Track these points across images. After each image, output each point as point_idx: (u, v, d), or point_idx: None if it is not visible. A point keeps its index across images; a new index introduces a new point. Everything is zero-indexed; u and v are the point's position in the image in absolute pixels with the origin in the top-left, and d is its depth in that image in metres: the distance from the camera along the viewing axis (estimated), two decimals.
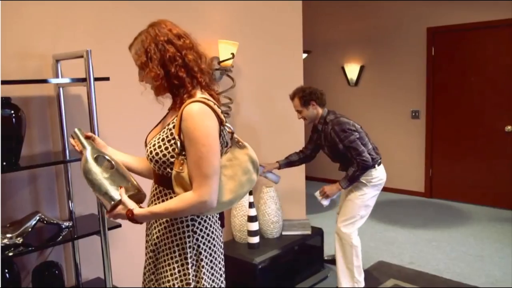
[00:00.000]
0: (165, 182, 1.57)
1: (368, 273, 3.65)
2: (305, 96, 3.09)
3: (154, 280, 1.68)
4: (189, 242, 1.58)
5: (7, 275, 2.09)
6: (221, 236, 1.70)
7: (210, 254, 1.63)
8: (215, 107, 1.51)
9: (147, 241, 1.73)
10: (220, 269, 1.68)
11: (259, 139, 3.60)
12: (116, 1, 2.57)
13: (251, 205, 3.20)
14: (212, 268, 1.64)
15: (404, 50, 5.89)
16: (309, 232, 3.55)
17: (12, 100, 2.03)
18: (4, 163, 2.00)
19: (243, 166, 1.55)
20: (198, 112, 1.45)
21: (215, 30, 3.17)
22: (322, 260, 3.72)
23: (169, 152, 1.52)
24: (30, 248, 2.07)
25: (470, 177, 5.54)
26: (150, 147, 1.56)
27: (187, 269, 1.58)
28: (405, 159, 6.08)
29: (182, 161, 1.47)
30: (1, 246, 2.01)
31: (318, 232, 3.64)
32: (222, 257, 1.71)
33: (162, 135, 1.54)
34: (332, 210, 5.51)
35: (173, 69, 1.49)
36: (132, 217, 1.50)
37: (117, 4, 2.57)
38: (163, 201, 1.59)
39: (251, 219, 3.18)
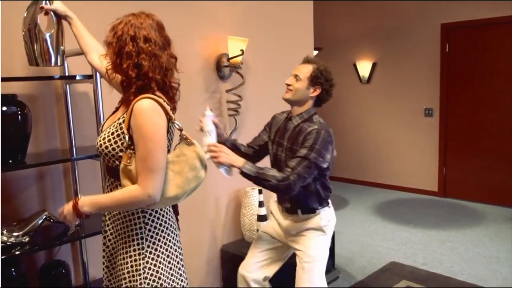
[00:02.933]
0: (115, 174, 1.61)
1: (379, 274, 3.59)
2: (321, 75, 2.28)
3: (111, 275, 1.73)
4: (141, 233, 1.61)
5: (14, 273, 2.07)
6: (176, 226, 1.74)
7: (166, 243, 1.66)
8: (165, 104, 1.55)
9: (104, 237, 1.75)
10: (177, 256, 1.70)
11: None
12: None
13: (260, 204, 3.15)
14: (168, 256, 1.66)
15: (418, 47, 5.78)
16: None
17: (18, 97, 2.01)
18: (10, 161, 1.98)
19: (190, 163, 1.59)
20: (148, 109, 1.49)
21: (225, 26, 3.13)
22: (333, 260, 3.66)
23: (118, 146, 1.56)
24: (36, 247, 2.05)
25: (485, 176, 5.43)
26: (100, 140, 1.61)
27: (142, 259, 1.60)
28: (418, 158, 5.98)
29: (130, 155, 1.53)
30: (8, 245, 1.99)
31: None
32: (180, 245, 1.74)
33: (112, 129, 1.59)
34: (342, 210, 5.45)
35: (125, 65, 1.53)
36: (76, 205, 1.55)
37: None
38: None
39: (261, 218, 3.14)
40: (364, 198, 5.94)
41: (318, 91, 2.29)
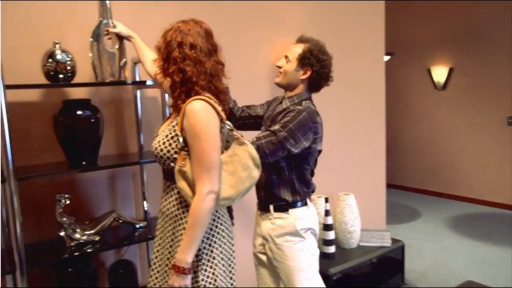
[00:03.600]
0: (171, 177, 1.63)
1: None
2: (311, 55, 2.00)
3: (161, 275, 1.72)
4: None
5: (84, 271, 2.16)
6: (231, 229, 1.74)
7: (221, 246, 1.66)
8: (216, 105, 1.58)
9: (156, 240, 1.76)
10: (229, 259, 1.71)
11: (336, 145, 3.44)
12: (191, 2, 2.58)
13: (327, 213, 3.06)
14: (223, 258, 1.67)
15: (499, 51, 5.38)
16: (389, 244, 3.33)
17: (91, 102, 2.10)
18: (84, 163, 2.07)
19: (243, 163, 1.61)
20: (200, 109, 1.53)
21: (292, 31, 3.08)
22: (403, 274, 3.48)
23: (172, 148, 1.59)
24: (106, 246, 2.13)
25: None
26: (155, 144, 1.65)
27: (199, 260, 1.61)
28: (498, 170, 5.56)
29: (184, 156, 1.55)
30: (81, 242, 2.08)
31: (398, 244, 3.40)
32: (233, 248, 1.74)
33: (166, 132, 1.63)
34: (414, 222, 5.18)
35: (171, 70, 1.58)
36: (178, 269, 1.54)
37: (192, 5, 2.58)
38: (171, 195, 1.67)
39: (327, 227, 3.05)
40: (438, 210, 5.61)
41: (308, 73, 2.02)
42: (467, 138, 5.85)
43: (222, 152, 1.62)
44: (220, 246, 1.67)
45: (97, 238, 2.13)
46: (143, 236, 2.27)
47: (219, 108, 1.61)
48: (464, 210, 5.55)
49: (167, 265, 1.67)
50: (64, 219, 2.05)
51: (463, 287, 3.44)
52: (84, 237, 2.11)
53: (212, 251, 1.64)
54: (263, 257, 2.15)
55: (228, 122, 1.64)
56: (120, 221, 2.25)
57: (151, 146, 1.68)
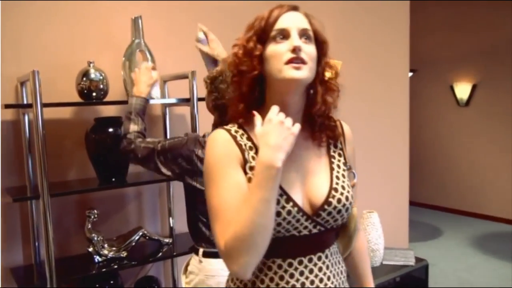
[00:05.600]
0: (336, 234, 1.20)
1: None
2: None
3: None
4: None
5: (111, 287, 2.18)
6: None
7: None
8: None
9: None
10: None
11: (360, 162, 3.42)
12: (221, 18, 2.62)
13: None
14: None
15: None
16: (412, 262, 3.28)
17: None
18: (114, 179, 2.11)
19: None
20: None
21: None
22: None
23: (351, 189, 1.15)
24: (133, 263, 2.14)
25: None
26: (339, 194, 1.10)
27: None
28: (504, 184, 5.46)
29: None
30: (108, 258, 2.10)
31: (422, 264, 3.35)
32: None
33: (339, 170, 1.15)
34: (437, 239, 5.10)
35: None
36: None
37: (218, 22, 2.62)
38: (341, 263, 1.20)
39: None
40: (461, 228, 5.52)
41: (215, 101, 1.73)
42: (490, 156, 5.76)
43: None
44: None
45: (124, 254, 2.15)
46: (169, 253, 2.29)
47: None
48: (489, 229, 5.44)
49: None
50: (93, 235, 2.08)
51: None
52: (112, 253, 2.13)
53: None
54: None
55: None
56: (147, 237, 2.27)
57: (324, 206, 1.08)
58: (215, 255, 1.68)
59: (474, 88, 5.84)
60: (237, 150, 1.07)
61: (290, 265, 1.09)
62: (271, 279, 1.09)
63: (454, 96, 6.04)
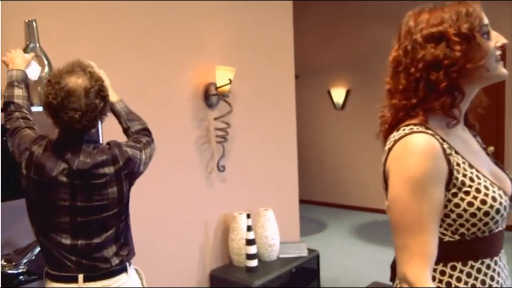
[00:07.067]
0: None
1: None
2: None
3: None
4: None
5: None
6: None
7: None
8: None
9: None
10: None
11: (254, 163, 3.63)
12: (129, 23, 2.60)
13: (249, 228, 3.21)
14: None
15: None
16: (305, 254, 3.56)
17: None
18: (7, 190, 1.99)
19: None
20: None
21: (213, 56, 3.24)
22: (319, 281, 3.73)
23: None
24: (33, 277, 2.05)
25: None
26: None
27: None
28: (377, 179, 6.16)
29: None
30: (5, 274, 1.98)
31: (314, 254, 3.65)
32: None
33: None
34: (322, 232, 5.55)
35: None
36: None
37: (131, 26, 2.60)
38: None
39: (250, 242, 3.18)
40: (342, 220, 6.07)
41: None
42: (363, 154, 6.42)
43: None
44: None
45: (24, 269, 2.04)
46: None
47: None
48: (365, 219, 6.07)
49: None
50: None
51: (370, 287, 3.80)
52: (9, 269, 2.02)
53: None
54: None
55: None
56: None
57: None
58: None
59: (348, 93, 6.47)
60: (445, 165, 1.04)
61: (496, 263, 1.08)
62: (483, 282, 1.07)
63: (332, 100, 6.62)
